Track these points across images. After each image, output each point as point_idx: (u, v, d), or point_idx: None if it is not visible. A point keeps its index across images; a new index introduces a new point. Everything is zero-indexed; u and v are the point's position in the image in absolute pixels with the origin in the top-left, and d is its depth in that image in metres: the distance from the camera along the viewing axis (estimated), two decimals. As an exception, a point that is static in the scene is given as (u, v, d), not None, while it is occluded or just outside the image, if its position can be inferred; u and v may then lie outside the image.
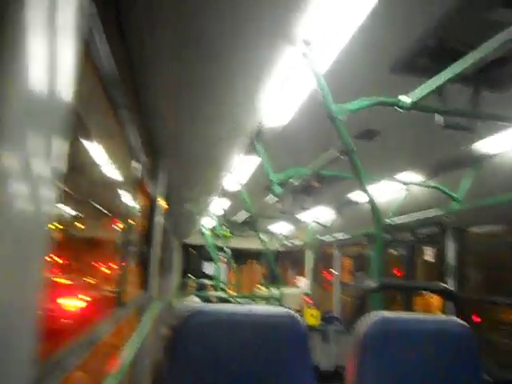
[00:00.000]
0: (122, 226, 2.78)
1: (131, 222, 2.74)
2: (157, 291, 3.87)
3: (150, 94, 2.18)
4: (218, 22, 1.71)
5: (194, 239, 10.57)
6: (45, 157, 0.53)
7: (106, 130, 2.16)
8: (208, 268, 11.36)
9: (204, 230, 8.97)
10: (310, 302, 7.40)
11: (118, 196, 2.94)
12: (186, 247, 11.51)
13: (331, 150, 2.43)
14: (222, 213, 7.67)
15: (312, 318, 6.05)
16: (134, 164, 2.66)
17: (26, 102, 0.47)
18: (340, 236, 6.95)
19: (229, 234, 9.20)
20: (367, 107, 2.35)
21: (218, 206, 6.98)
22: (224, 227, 8.95)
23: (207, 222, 8.86)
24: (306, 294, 7.81)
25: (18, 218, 0.46)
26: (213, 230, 9.09)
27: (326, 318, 6.29)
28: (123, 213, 2.72)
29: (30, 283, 0.53)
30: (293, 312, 1.60)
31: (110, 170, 2.90)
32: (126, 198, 2.80)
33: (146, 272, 3.14)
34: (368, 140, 3.54)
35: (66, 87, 0.59)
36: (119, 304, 2.29)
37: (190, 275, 10.49)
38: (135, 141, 2.38)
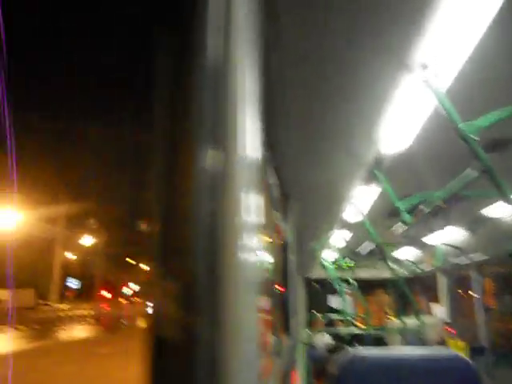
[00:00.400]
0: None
1: (271, 263, 2.84)
2: (297, 332, 3.88)
3: (280, 144, 2.30)
4: (337, 66, 1.77)
5: (315, 273, 10.44)
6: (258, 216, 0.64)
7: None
8: (333, 302, 11.05)
9: (326, 263, 8.85)
10: (453, 332, 6.79)
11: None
12: (308, 282, 11.40)
13: (468, 170, 2.29)
14: (344, 244, 7.52)
15: (458, 350, 5.54)
16: (273, 208, 2.78)
17: (240, 167, 0.59)
18: (478, 257, 6.34)
19: (352, 265, 8.95)
20: (502, 119, 2.18)
21: (338, 237, 6.89)
22: (348, 258, 8.74)
23: (328, 255, 8.74)
24: (447, 323, 7.18)
25: (248, 269, 0.60)
26: (335, 262, 8.93)
27: (475, 350, 5.71)
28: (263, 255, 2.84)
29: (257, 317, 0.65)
30: (463, 355, 1.48)
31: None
32: (265, 239, 2.92)
33: (286, 313, 3.18)
34: (501, 151, 3.26)
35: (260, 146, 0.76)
36: (277, 352, 2.31)
37: (314, 311, 10.30)
38: (273, 185, 2.50)
